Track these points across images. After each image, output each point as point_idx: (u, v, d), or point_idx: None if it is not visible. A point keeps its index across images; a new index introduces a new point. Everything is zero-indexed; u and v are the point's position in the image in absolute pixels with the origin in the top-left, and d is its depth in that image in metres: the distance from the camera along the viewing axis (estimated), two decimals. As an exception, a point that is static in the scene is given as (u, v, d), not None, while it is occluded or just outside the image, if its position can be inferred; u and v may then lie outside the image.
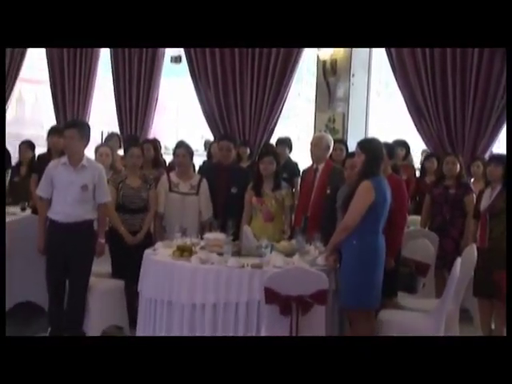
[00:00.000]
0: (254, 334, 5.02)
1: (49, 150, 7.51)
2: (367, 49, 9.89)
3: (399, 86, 9.20)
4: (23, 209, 7.50)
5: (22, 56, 13.16)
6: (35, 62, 13.76)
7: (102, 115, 13.11)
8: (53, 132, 7.45)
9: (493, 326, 6.19)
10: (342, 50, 9.66)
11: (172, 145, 8.33)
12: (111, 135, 9.47)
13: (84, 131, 5.82)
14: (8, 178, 8.67)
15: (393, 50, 9.10)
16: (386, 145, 5.59)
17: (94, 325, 5.85)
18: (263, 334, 4.89)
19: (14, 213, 7.40)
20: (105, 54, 12.17)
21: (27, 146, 8.82)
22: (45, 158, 7.02)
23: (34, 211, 6.70)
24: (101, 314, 5.90)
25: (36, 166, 7.31)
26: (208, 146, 9.56)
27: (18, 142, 9.13)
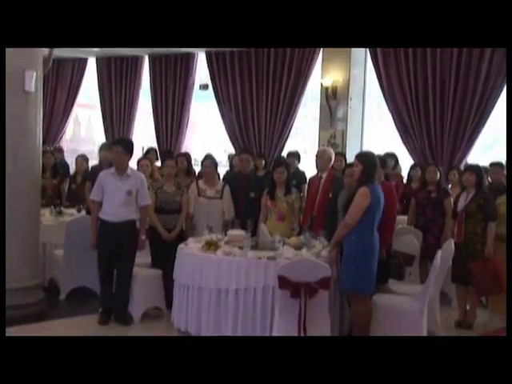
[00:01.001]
0: (269, 314, 5.01)
1: (100, 162, 7.52)
2: (363, 77, 9.91)
3: (389, 109, 9.22)
4: (79, 210, 7.52)
5: (78, 85, 13.27)
6: (89, 90, 13.83)
7: (143, 133, 13.14)
8: (103, 148, 7.47)
9: (467, 307, 6.13)
10: (341, 78, 9.71)
11: (200, 157, 8.32)
12: (150, 150, 9.49)
13: (128, 147, 5.83)
14: (67, 186, 8.72)
15: (383, 78, 9.11)
16: (379, 156, 5.55)
17: (138, 306, 5.86)
18: (276, 314, 4.87)
19: (71, 214, 7.43)
20: (145, 83, 12.25)
21: (82, 159, 8.85)
22: (97, 169, 7.03)
23: (88, 212, 6.71)
24: (143, 297, 5.89)
25: (89, 175, 7.32)
26: (230, 158, 9.55)
27: (75, 156, 9.19)
